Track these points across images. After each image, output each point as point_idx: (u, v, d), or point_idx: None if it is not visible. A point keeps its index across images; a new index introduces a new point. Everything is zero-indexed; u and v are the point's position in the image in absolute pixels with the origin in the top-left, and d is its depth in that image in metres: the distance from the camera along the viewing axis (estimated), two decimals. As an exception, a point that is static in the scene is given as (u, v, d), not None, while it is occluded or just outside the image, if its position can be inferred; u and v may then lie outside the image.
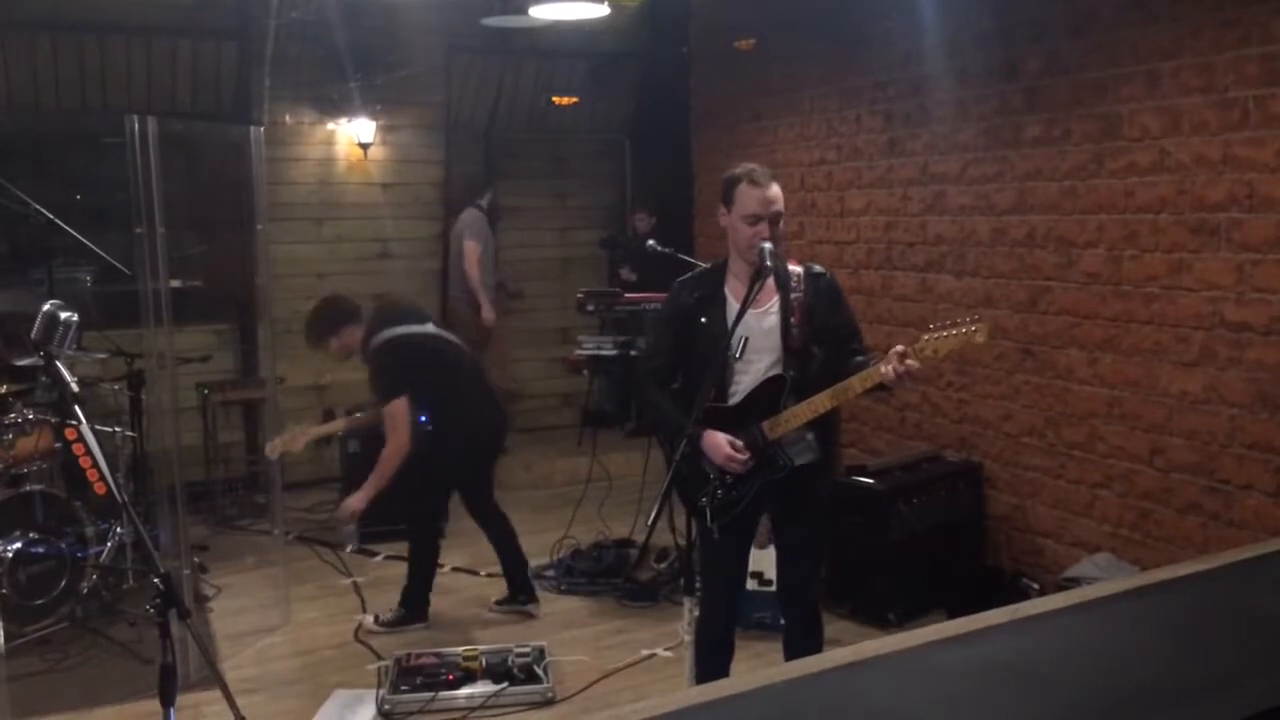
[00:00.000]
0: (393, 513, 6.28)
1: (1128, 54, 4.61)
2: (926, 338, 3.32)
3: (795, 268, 3.57)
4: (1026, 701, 1.43)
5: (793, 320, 3.47)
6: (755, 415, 3.47)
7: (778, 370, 3.48)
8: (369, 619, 5.11)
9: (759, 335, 3.49)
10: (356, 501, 4.91)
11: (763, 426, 3.45)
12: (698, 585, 3.97)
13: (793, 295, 3.50)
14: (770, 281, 3.50)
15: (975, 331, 3.23)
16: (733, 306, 3.46)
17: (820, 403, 3.38)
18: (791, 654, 3.66)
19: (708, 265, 3.78)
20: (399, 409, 4.85)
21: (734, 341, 3.44)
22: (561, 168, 8.81)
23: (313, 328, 5.11)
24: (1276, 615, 1.75)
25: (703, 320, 3.53)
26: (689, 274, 3.78)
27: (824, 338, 3.51)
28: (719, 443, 3.43)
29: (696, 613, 3.43)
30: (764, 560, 4.53)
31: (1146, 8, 4.53)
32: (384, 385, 4.91)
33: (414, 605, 5.14)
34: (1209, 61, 4.28)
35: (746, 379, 3.50)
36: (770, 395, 3.46)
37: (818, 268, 3.62)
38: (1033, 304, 5.16)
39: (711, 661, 3.59)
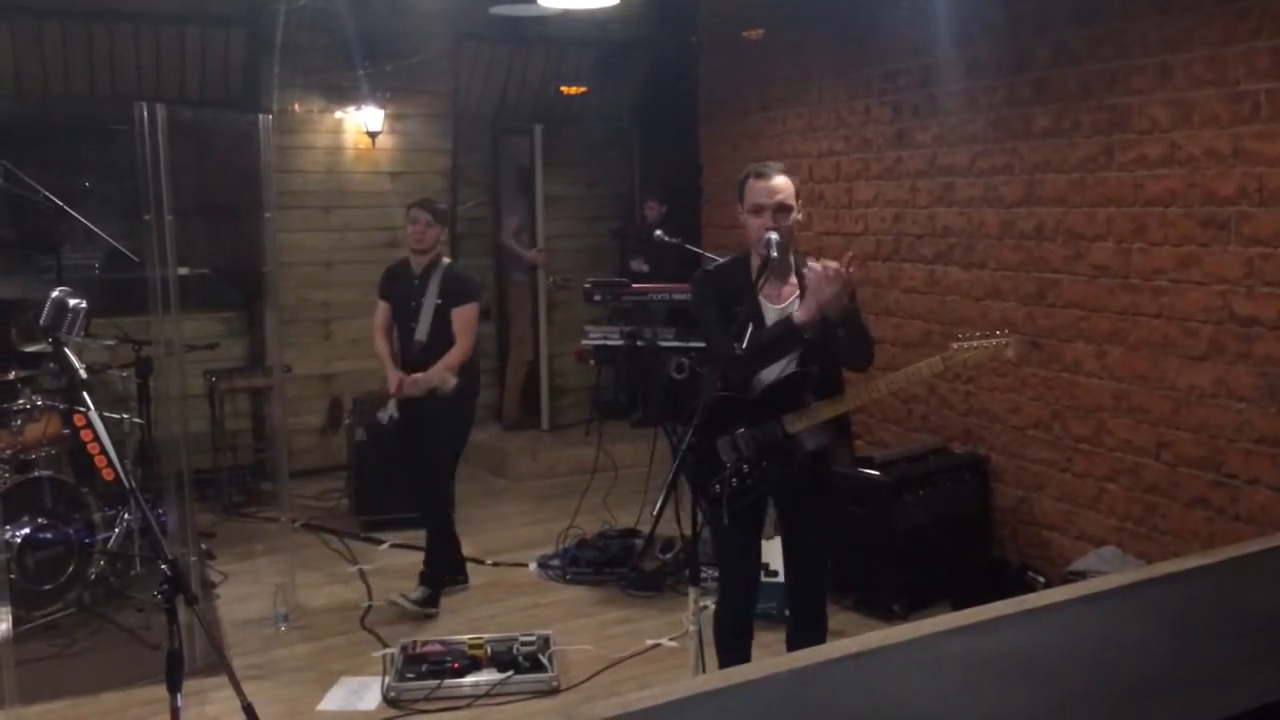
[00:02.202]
0: (398, 501, 6.35)
1: (1138, 45, 4.59)
2: (956, 346, 3.31)
3: (815, 264, 3.56)
4: (1031, 693, 1.43)
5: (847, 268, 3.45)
6: (775, 409, 3.47)
7: (798, 364, 3.47)
8: (401, 599, 5.17)
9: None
10: (424, 378, 5.02)
11: (781, 420, 3.45)
12: (703, 575, 3.99)
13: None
14: (793, 278, 3.51)
15: (1005, 345, 3.26)
16: (762, 302, 3.47)
17: (842, 403, 3.40)
18: (795, 644, 3.67)
19: (727, 257, 3.75)
20: (475, 314, 5.13)
21: (744, 333, 3.44)
22: (569, 156, 8.79)
23: (441, 210, 5.29)
24: (1282, 609, 1.74)
25: (738, 311, 3.53)
26: (711, 266, 3.76)
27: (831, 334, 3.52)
28: (823, 264, 3.30)
29: (702, 603, 3.44)
30: (770, 551, 4.53)
31: (1158, -1, 4.51)
32: (471, 290, 5.18)
33: (438, 585, 5.23)
34: (1220, 54, 4.27)
35: (764, 372, 3.50)
36: (793, 390, 3.46)
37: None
38: (1040, 296, 5.15)
39: (733, 649, 3.62)
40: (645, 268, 7.78)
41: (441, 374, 5.00)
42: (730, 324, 3.48)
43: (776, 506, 3.73)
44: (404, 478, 5.38)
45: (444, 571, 5.24)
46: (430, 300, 5.10)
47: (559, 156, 8.66)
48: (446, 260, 5.23)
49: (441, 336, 5.08)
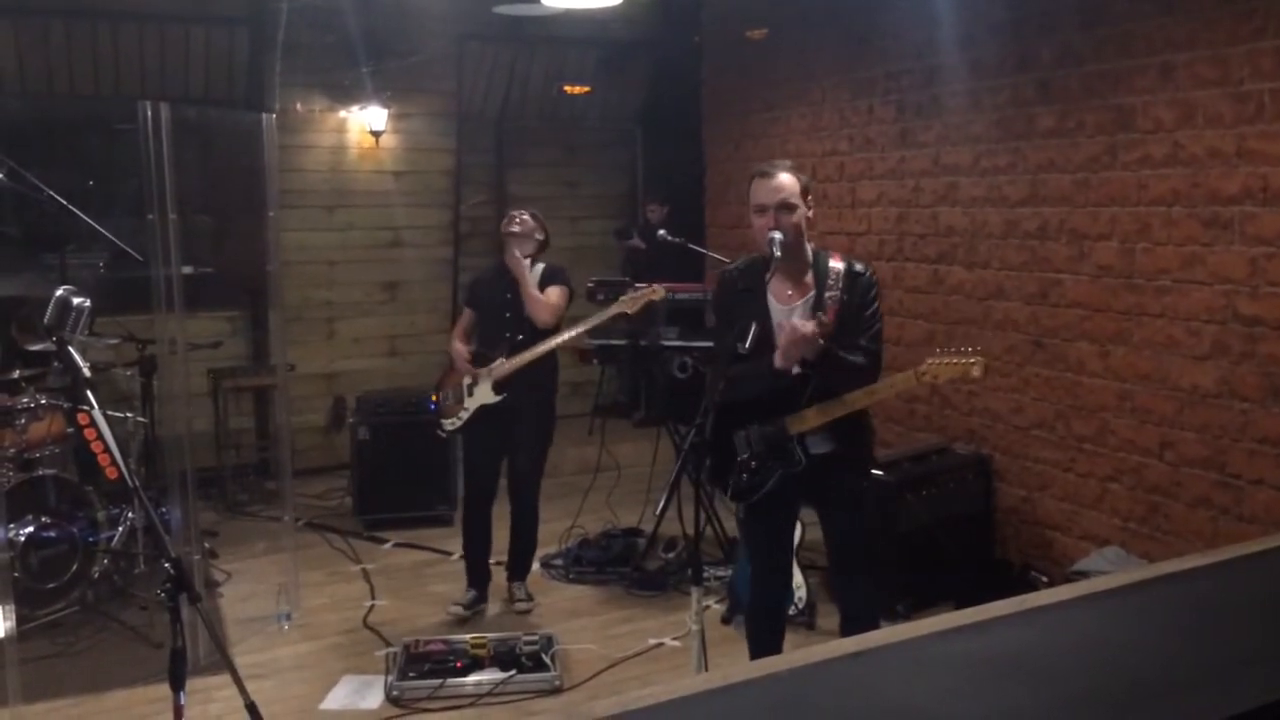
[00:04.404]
0: (401, 500, 6.36)
1: (1141, 45, 4.59)
2: (930, 362, 3.39)
3: (837, 264, 3.54)
4: (1032, 692, 1.43)
5: (824, 317, 3.46)
6: (777, 409, 3.48)
7: (800, 367, 3.48)
8: (456, 609, 5.10)
9: (787, 326, 3.49)
10: (507, 366, 4.96)
11: (784, 422, 3.46)
12: (705, 575, 4.01)
13: (828, 294, 3.49)
14: (808, 277, 3.51)
15: (973, 364, 3.33)
16: (769, 301, 3.48)
17: (835, 409, 3.43)
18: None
19: (752, 255, 3.76)
20: (561, 293, 5.05)
21: (747, 334, 3.44)
22: (573, 157, 8.81)
23: (539, 217, 5.20)
24: (1284, 609, 1.74)
25: (747, 306, 3.55)
26: (735, 263, 3.75)
27: (849, 333, 3.52)
28: (793, 325, 3.39)
29: (705, 603, 3.45)
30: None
31: (1161, -1, 4.51)
32: (562, 274, 5.10)
33: (475, 580, 5.22)
34: (1224, 54, 4.26)
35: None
36: (792, 392, 3.47)
37: (859, 265, 3.59)
38: (1044, 296, 5.14)
39: (763, 638, 3.69)
40: (642, 245, 7.80)
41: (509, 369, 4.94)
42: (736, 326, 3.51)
43: (816, 513, 3.76)
44: (480, 478, 5.24)
45: (481, 567, 5.24)
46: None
47: (559, 156, 8.67)
48: (541, 264, 5.14)
49: (538, 331, 5.03)
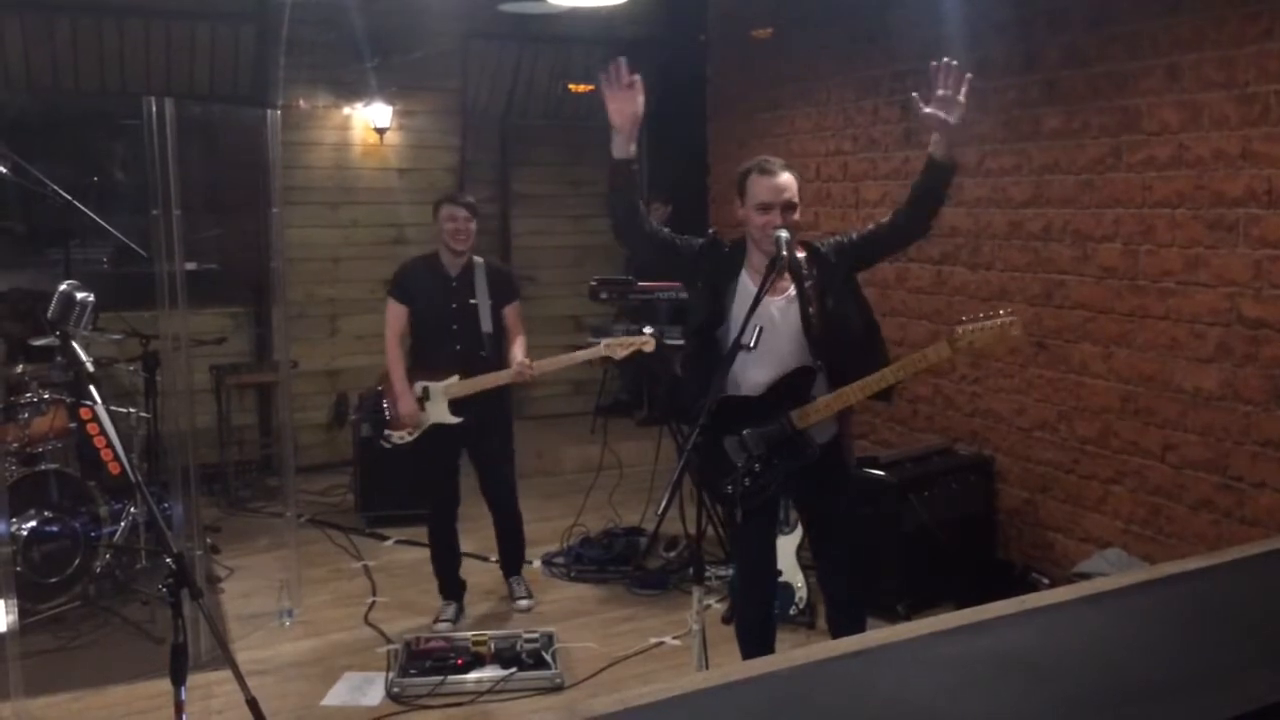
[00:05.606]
0: (403, 498, 6.36)
1: (1148, 46, 4.58)
2: (962, 329, 3.29)
3: (800, 254, 3.56)
4: (1032, 691, 1.43)
5: (811, 310, 3.46)
6: (783, 405, 3.47)
7: (802, 360, 3.47)
8: (446, 625, 4.93)
9: (778, 324, 3.48)
10: (464, 387, 4.79)
11: (791, 416, 3.45)
12: (707, 574, 3.99)
13: (807, 284, 3.49)
14: (788, 271, 3.51)
15: (1010, 324, 3.23)
16: (745, 292, 3.46)
17: (851, 394, 3.40)
18: (837, 633, 3.70)
19: (738, 239, 3.74)
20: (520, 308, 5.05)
21: (749, 330, 3.43)
22: (577, 155, 8.80)
23: (475, 204, 5.00)
24: (1286, 612, 1.74)
25: (713, 285, 3.53)
26: (725, 240, 3.72)
27: (845, 311, 3.50)
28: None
29: (705, 602, 3.45)
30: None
31: None
32: (517, 285, 5.10)
33: (454, 592, 5.09)
34: (1230, 55, 4.25)
35: (761, 369, 3.49)
36: (800, 385, 3.46)
37: (817, 243, 3.62)
38: (1047, 298, 5.14)
39: (755, 645, 3.67)
40: (668, 208, 7.80)
41: (528, 369, 4.74)
42: (694, 276, 3.59)
43: (794, 503, 3.75)
44: (440, 483, 5.03)
45: (451, 575, 5.11)
46: (484, 300, 4.86)
47: (563, 154, 8.67)
48: (479, 259, 4.97)
49: (496, 336, 4.90)
